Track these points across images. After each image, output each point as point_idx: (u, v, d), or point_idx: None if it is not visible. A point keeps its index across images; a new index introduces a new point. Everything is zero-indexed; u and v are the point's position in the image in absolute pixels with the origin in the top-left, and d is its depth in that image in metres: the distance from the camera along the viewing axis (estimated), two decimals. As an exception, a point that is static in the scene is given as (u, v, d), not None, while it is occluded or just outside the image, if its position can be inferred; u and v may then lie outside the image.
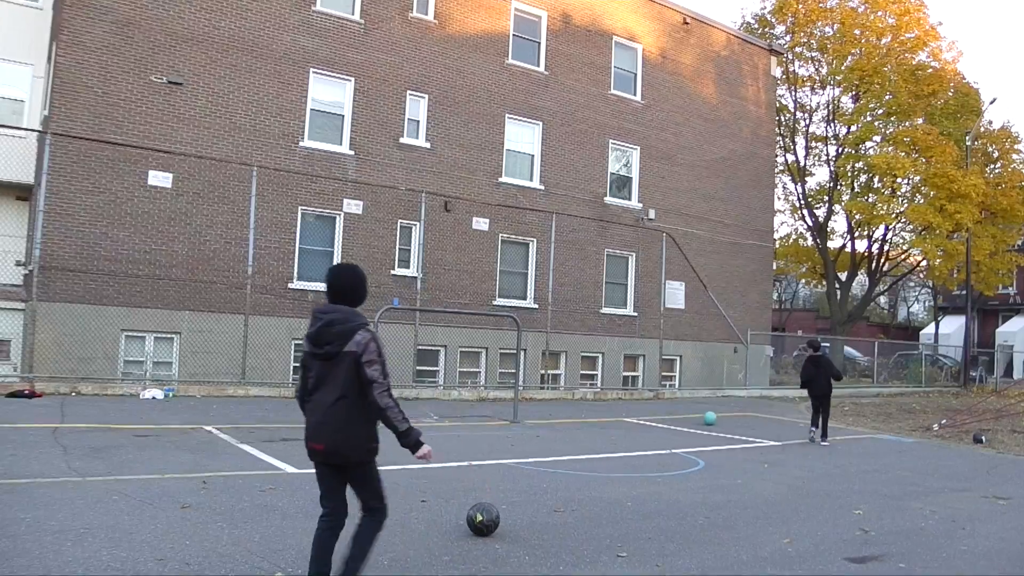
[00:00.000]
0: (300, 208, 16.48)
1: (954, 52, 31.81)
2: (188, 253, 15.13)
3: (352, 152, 17.15)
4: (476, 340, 18.56)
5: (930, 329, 46.32)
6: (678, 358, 22.75)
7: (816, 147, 34.05)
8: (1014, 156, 32.87)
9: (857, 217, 31.32)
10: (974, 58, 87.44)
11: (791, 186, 34.66)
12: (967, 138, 29.14)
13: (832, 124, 32.89)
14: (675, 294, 22.46)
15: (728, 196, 24.06)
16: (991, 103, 30.60)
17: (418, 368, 17.31)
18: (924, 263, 34.19)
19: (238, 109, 15.79)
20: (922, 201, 29.26)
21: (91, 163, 14.25)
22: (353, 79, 17.18)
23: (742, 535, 6.33)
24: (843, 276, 34.42)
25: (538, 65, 20.14)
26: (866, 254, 33.89)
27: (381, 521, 4.14)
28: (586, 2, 21.10)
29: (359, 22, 17.31)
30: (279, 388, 14.89)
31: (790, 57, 31.78)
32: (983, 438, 14.09)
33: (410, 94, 17.97)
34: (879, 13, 30.70)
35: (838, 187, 32.74)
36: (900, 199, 31.40)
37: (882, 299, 52.85)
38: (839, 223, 34.64)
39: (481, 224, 18.81)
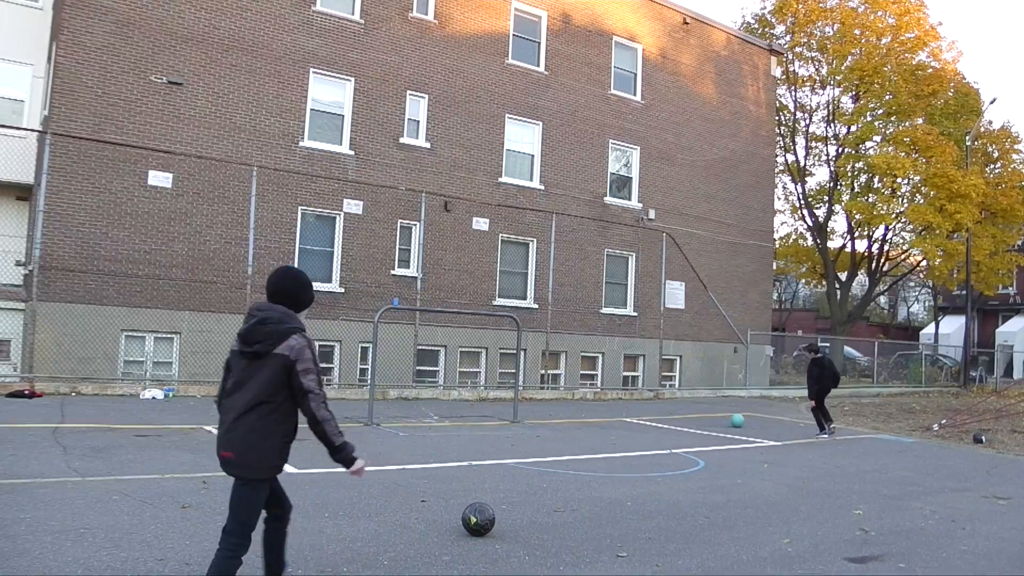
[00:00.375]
0: (300, 208, 16.49)
1: (954, 52, 31.89)
2: (188, 253, 15.13)
3: (352, 152, 17.15)
4: (476, 340, 18.56)
5: (930, 329, 46.33)
6: (678, 358, 22.75)
7: (816, 147, 34.10)
8: (1014, 156, 32.90)
9: (857, 217, 31.35)
10: (974, 58, 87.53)
11: (791, 186, 34.71)
12: (967, 138, 29.15)
13: (832, 124, 32.92)
14: (675, 294, 22.47)
15: (728, 196, 24.06)
16: (991, 103, 30.64)
17: (418, 368, 17.31)
18: (924, 263, 34.22)
19: (238, 109, 15.80)
20: (922, 201, 29.28)
21: (91, 163, 14.25)
22: (353, 79, 17.18)
23: (742, 535, 6.33)
24: (843, 276, 34.44)
25: (538, 65, 20.14)
26: (866, 254, 33.91)
27: (238, 555, 3.63)
28: (586, 2, 21.10)
29: (359, 22, 17.31)
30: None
31: (790, 57, 31.80)
32: (983, 438, 14.09)
33: (410, 94, 17.97)
34: (879, 13, 30.73)
35: (838, 187, 32.76)
36: (900, 199, 31.43)
37: (882, 299, 52.86)
38: (839, 223, 34.72)
39: (481, 224, 18.81)
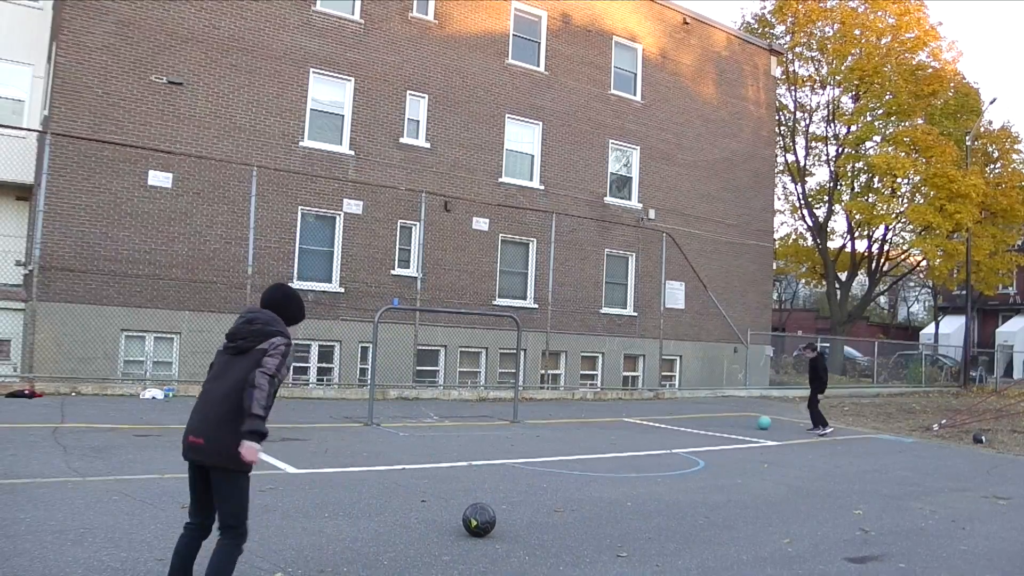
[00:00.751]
0: (300, 208, 16.49)
1: (954, 52, 31.88)
2: (188, 253, 15.13)
3: (352, 152, 17.15)
4: (476, 340, 18.56)
5: (930, 329, 46.33)
6: (678, 358, 22.75)
7: (816, 147, 34.09)
8: (1014, 156, 32.88)
9: (857, 217, 31.35)
10: (974, 58, 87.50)
11: (791, 186, 34.70)
12: (967, 138, 29.14)
13: (832, 124, 32.92)
14: (675, 294, 22.46)
15: (728, 196, 24.06)
16: (991, 103, 30.62)
17: (418, 368, 17.31)
18: (924, 263, 34.21)
19: (238, 109, 15.80)
20: (922, 201, 29.26)
21: (91, 163, 14.25)
22: (353, 79, 17.18)
23: (742, 535, 6.33)
24: (843, 276, 34.43)
25: (538, 65, 20.14)
26: (866, 254, 33.90)
27: (239, 544, 3.77)
28: (586, 2, 21.10)
29: (359, 22, 17.31)
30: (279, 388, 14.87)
31: (790, 57, 31.79)
32: (983, 438, 14.10)
33: (410, 94, 17.97)
34: (879, 13, 30.72)
35: (838, 187, 32.76)
36: (900, 199, 31.42)
37: (882, 299, 52.86)
38: (839, 223, 34.72)
39: (481, 224, 18.81)
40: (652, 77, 22.47)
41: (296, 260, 16.37)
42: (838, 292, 33.93)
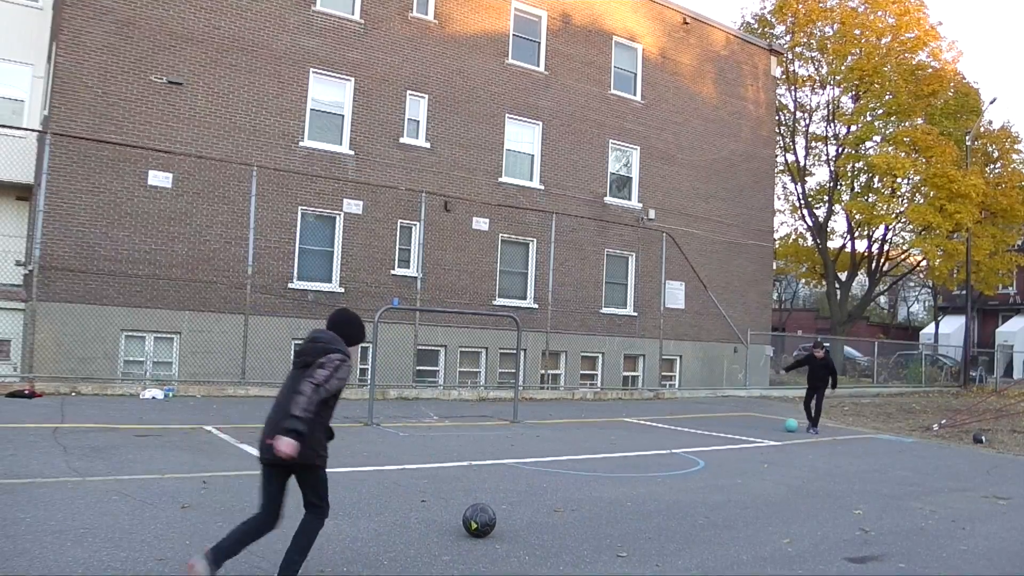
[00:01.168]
0: (300, 208, 16.48)
1: (954, 52, 31.87)
2: (188, 253, 15.13)
3: (352, 152, 17.15)
4: (476, 340, 18.56)
5: (930, 329, 46.33)
6: (678, 358, 22.76)
7: (816, 147, 34.10)
8: (1014, 156, 32.89)
9: (857, 217, 31.36)
10: (974, 58, 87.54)
11: (791, 186, 34.72)
12: (967, 138, 29.15)
13: (832, 124, 32.93)
14: (675, 294, 22.47)
15: (728, 196, 24.06)
16: (991, 103, 30.61)
17: (418, 368, 17.31)
18: (924, 263, 34.22)
19: (238, 109, 15.80)
20: (922, 201, 29.28)
21: (91, 163, 14.25)
22: (353, 79, 17.18)
23: (742, 535, 6.33)
24: (843, 276, 34.44)
25: (538, 65, 20.14)
26: (866, 254, 33.91)
27: (322, 519, 4.45)
28: (586, 2, 21.10)
29: (359, 22, 17.31)
30: (279, 388, 14.87)
31: (790, 57, 31.80)
32: (983, 438, 14.10)
33: (410, 94, 17.97)
34: (879, 13, 30.73)
35: (838, 187, 32.77)
36: (900, 199, 31.44)
37: (882, 299, 52.87)
38: (839, 223, 34.73)
39: (481, 224, 18.82)
40: (652, 77, 22.47)
41: (296, 260, 16.37)
42: (838, 292, 33.94)
